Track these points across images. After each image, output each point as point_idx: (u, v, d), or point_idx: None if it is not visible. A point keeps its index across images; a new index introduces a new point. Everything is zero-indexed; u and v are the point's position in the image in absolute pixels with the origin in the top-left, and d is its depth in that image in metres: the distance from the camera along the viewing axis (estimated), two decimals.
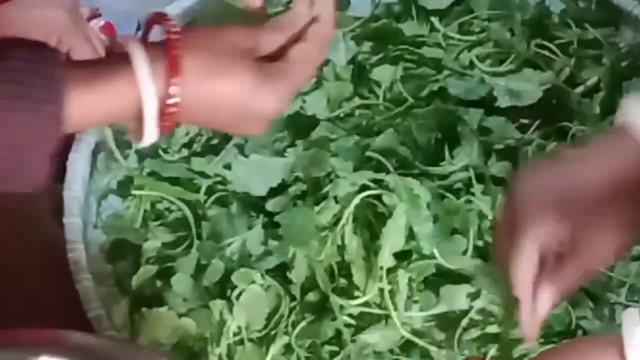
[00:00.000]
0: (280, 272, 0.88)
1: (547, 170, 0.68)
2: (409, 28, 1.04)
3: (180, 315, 0.86)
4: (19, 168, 0.56)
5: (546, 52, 1.02)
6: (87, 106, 0.58)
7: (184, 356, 0.85)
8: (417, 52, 1.02)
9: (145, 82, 0.58)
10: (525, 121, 0.97)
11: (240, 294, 0.86)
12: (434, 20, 1.05)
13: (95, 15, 1.04)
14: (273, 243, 0.89)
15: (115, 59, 0.59)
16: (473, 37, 1.04)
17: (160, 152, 0.96)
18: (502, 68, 1.01)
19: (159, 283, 0.88)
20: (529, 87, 0.98)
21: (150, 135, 0.60)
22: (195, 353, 0.85)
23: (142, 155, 0.96)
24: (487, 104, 0.97)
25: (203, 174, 0.94)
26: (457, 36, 1.04)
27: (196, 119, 0.63)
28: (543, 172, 0.68)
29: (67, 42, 0.89)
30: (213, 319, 0.85)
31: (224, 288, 0.87)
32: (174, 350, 0.85)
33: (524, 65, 1.01)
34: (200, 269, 0.88)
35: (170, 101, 0.59)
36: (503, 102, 0.97)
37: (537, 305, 0.65)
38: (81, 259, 0.86)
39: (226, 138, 0.97)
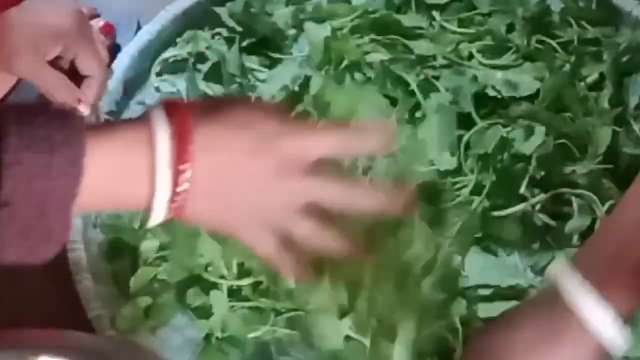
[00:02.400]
0: None
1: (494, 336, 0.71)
2: (408, 20, 1.05)
3: None
4: (40, 217, 0.55)
5: (546, 48, 1.02)
6: (103, 167, 0.57)
7: None
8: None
9: (161, 168, 0.58)
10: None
11: None
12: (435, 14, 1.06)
13: (94, 15, 1.04)
14: None
15: (136, 130, 0.59)
16: (472, 30, 1.05)
17: None
18: (501, 61, 1.01)
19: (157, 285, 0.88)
20: (527, 79, 0.98)
21: (158, 218, 0.61)
22: None
23: None
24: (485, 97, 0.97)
25: None
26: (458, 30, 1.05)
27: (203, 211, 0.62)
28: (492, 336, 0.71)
29: (73, 49, 0.89)
30: None
31: None
32: None
33: (523, 60, 1.01)
34: None
35: (179, 189, 0.59)
36: (502, 91, 0.97)
37: None
38: (81, 259, 0.86)
39: None
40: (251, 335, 0.84)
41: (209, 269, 0.86)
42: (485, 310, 0.83)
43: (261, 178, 0.61)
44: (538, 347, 0.67)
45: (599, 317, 0.65)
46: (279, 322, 0.85)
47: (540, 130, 0.93)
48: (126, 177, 0.59)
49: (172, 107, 0.60)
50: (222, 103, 0.63)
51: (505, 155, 0.92)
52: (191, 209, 0.60)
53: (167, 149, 0.58)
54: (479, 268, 0.86)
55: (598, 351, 0.66)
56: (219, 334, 0.84)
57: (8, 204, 0.54)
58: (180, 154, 0.58)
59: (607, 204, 0.88)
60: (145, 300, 0.86)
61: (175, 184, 0.59)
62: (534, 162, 0.90)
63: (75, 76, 0.90)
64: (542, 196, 0.89)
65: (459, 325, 0.81)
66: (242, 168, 0.61)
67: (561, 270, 0.68)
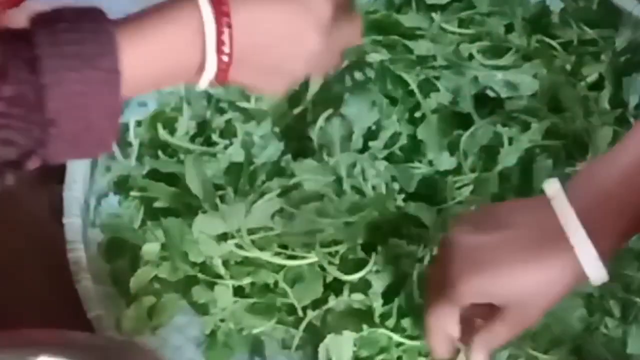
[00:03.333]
0: None
1: (480, 226, 0.69)
2: (408, 20, 1.05)
3: None
4: (87, 129, 0.57)
5: (546, 49, 1.02)
6: (144, 55, 0.59)
7: None
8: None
9: (206, 14, 0.60)
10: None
11: None
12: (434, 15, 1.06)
13: None
14: None
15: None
16: (472, 31, 1.05)
17: (160, 152, 0.96)
18: (501, 61, 1.02)
19: (157, 284, 0.88)
20: (527, 79, 0.98)
21: (210, 71, 0.62)
22: None
23: (141, 154, 0.96)
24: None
25: None
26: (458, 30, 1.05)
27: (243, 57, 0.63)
28: (477, 227, 0.69)
29: None
30: None
31: None
32: None
33: (523, 60, 1.01)
34: None
35: (223, 37, 0.61)
36: (501, 93, 0.97)
37: None
38: (81, 259, 0.86)
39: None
40: (256, 330, 0.85)
41: (207, 267, 0.87)
42: None
43: (302, 33, 0.65)
44: (527, 260, 0.66)
45: (587, 250, 0.65)
46: (282, 318, 0.85)
47: (535, 126, 0.93)
48: (176, 55, 0.61)
49: None
50: None
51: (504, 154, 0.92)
52: (235, 71, 0.63)
53: (211, 20, 0.60)
54: None
55: (579, 281, 0.66)
56: (231, 325, 0.84)
57: (54, 123, 0.55)
58: (219, 18, 0.60)
59: None
60: (149, 300, 0.86)
61: (220, 49, 0.61)
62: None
63: None
64: None
65: None
66: (283, 28, 0.64)
67: (556, 193, 0.67)
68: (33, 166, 0.57)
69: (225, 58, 0.61)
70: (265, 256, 0.85)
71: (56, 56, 0.55)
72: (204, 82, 0.63)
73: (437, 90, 0.98)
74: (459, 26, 1.06)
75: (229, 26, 0.60)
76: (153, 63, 0.60)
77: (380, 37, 1.04)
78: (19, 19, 0.85)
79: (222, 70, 0.62)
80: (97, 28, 0.58)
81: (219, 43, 0.61)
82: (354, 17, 0.70)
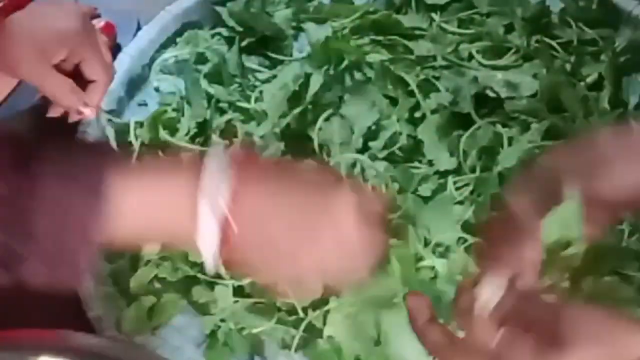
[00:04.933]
0: None
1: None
2: (408, 20, 1.05)
3: None
4: (66, 254, 0.56)
5: (546, 49, 1.02)
6: (138, 206, 0.57)
7: None
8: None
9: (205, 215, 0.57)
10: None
11: None
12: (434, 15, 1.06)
13: (94, 15, 1.04)
14: None
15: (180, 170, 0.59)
16: (472, 31, 1.05)
17: (160, 152, 0.96)
18: (501, 61, 1.02)
19: (158, 284, 0.88)
20: (527, 79, 0.98)
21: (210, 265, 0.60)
22: None
23: (142, 155, 0.95)
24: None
25: None
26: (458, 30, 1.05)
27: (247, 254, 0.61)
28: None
29: (79, 53, 0.89)
30: None
31: None
32: None
33: (523, 60, 1.01)
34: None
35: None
36: (501, 93, 0.97)
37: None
38: None
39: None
40: (255, 330, 0.85)
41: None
42: None
43: (313, 232, 0.61)
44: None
45: None
46: (282, 318, 0.85)
47: (535, 126, 0.93)
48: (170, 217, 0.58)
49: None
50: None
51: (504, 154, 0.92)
52: (239, 258, 0.60)
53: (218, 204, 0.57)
54: None
55: None
56: (231, 325, 0.84)
57: (32, 236, 0.54)
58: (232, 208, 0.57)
59: None
60: (149, 300, 0.86)
61: (223, 236, 0.58)
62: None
63: (77, 78, 0.90)
64: None
65: None
66: (294, 222, 0.61)
67: None
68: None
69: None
70: None
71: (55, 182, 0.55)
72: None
73: (437, 90, 0.98)
74: (459, 26, 1.06)
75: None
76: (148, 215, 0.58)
77: (380, 37, 1.04)
78: (23, 22, 0.85)
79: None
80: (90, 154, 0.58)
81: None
82: (379, 235, 0.64)
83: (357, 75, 1.02)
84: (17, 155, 0.55)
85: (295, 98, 0.97)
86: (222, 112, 0.99)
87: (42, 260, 0.55)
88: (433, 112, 0.96)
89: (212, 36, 1.06)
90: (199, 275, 0.86)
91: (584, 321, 0.53)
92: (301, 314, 0.85)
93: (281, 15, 1.08)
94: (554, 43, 1.03)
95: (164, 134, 0.96)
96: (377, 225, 0.63)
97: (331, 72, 1.00)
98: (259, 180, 0.59)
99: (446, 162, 0.93)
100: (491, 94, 0.97)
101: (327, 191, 0.62)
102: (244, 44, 1.04)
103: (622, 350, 0.51)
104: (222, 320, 0.85)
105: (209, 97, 0.99)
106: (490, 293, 0.56)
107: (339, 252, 0.62)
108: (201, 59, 1.03)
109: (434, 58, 1.02)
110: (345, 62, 1.01)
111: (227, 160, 0.58)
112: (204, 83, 1.00)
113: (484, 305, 0.56)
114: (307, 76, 0.99)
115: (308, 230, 0.61)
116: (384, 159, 0.94)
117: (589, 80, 1.00)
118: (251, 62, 1.04)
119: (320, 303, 0.84)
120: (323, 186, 0.62)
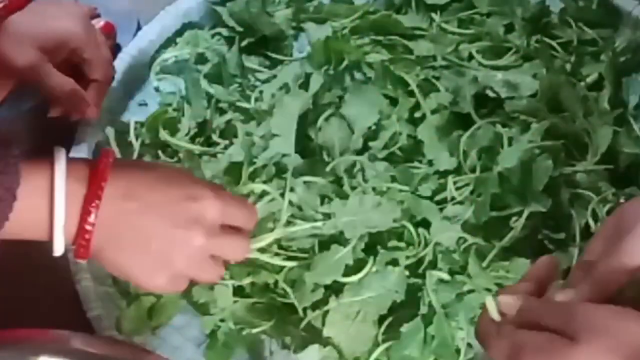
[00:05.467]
0: None
1: None
2: (408, 20, 1.05)
3: None
4: None
5: (546, 49, 1.02)
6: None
7: None
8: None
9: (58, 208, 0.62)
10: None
11: None
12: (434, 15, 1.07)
13: (94, 15, 1.04)
14: None
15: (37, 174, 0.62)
16: (472, 31, 1.05)
17: (160, 152, 0.96)
18: (501, 61, 1.02)
19: None
20: (527, 79, 0.98)
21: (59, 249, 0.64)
22: None
23: (142, 155, 0.96)
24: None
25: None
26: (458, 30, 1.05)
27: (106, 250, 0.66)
28: None
29: (80, 53, 0.89)
30: None
31: None
32: None
33: (523, 60, 1.01)
34: None
35: (86, 227, 0.63)
36: (501, 93, 0.97)
37: None
38: None
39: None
40: (255, 330, 0.85)
41: None
42: None
43: (170, 231, 0.66)
44: None
45: None
46: (282, 318, 0.85)
47: (535, 126, 0.93)
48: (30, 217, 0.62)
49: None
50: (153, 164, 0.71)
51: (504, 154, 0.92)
52: (97, 250, 0.65)
53: (75, 191, 0.63)
54: None
55: None
56: (231, 325, 0.84)
57: None
58: (89, 198, 0.63)
59: (608, 206, 0.89)
60: (149, 300, 0.86)
61: (82, 224, 0.63)
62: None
63: (77, 78, 0.90)
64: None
65: None
66: (152, 219, 0.66)
67: None
68: None
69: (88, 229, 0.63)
70: (265, 256, 0.85)
71: None
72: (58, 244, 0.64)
73: (437, 90, 0.98)
74: (459, 26, 1.06)
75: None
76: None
77: (380, 37, 1.04)
78: (24, 22, 0.85)
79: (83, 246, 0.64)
80: (4, 154, 0.60)
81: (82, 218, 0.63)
82: (243, 232, 0.72)
83: (357, 75, 1.02)
84: None
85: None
86: (222, 112, 0.99)
87: None
88: (433, 112, 0.96)
89: (212, 36, 1.06)
90: None
91: (594, 316, 0.54)
92: (300, 314, 0.85)
93: (281, 15, 1.08)
94: (554, 43, 1.04)
95: (164, 134, 0.96)
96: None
97: (331, 72, 1.00)
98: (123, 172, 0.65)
99: (446, 162, 0.93)
100: (491, 94, 0.97)
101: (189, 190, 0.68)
102: (244, 44, 1.04)
103: (631, 338, 0.52)
104: (222, 320, 0.85)
105: (209, 97, 0.99)
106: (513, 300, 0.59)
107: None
108: (201, 59, 1.03)
109: (434, 58, 1.02)
110: (345, 62, 1.01)
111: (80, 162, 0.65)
112: (204, 83, 1.00)
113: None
114: (307, 76, 0.99)
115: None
116: (384, 159, 0.93)
117: (589, 80, 1.00)
118: (251, 62, 1.04)
119: (320, 303, 0.84)
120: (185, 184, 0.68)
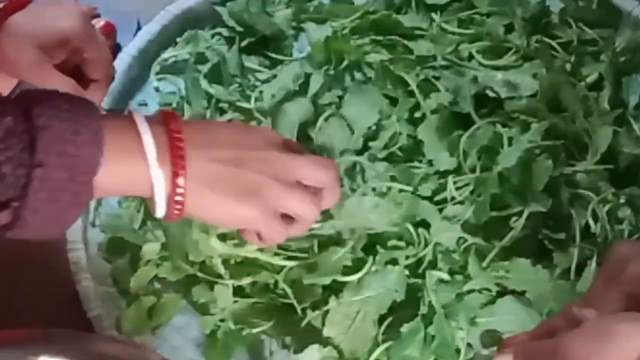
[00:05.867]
0: None
1: None
2: (408, 20, 1.05)
3: None
4: (70, 180, 0.59)
5: (546, 49, 1.02)
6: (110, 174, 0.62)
7: None
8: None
9: (155, 175, 0.64)
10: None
11: None
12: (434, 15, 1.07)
13: (94, 15, 1.04)
14: None
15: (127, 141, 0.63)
16: (472, 31, 1.05)
17: None
18: (501, 61, 1.02)
19: (158, 284, 0.88)
20: (527, 79, 0.98)
21: (161, 211, 0.66)
22: None
23: None
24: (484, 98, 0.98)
25: None
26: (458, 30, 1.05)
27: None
28: None
29: (80, 53, 0.89)
30: None
31: None
32: None
33: (523, 60, 1.01)
34: None
35: (177, 193, 0.65)
36: (501, 93, 0.97)
37: None
38: (81, 259, 0.86)
39: None
40: (255, 330, 0.85)
41: (207, 267, 0.87)
42: None
43: (250, 178, 0.68)
44: None
45: None
46: (282, 318, 0.85)
47: (535, 126, 0.93)
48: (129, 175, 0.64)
49: (167, 117, 0.66)
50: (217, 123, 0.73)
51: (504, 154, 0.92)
52: (191, 205, 0.66)
53: (164, 154, 0.64)
54: None
55: None
56: (231, 325, 0.84)
57: (42, 164, 0.57)
58: (174, 160, 0.64)
59: (608, 206, 0.89)
60: (149, 300, 0.86)
61: (172, 187, 0.65)
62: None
63: (78, 78, 0.90)
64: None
65: None
66: (233, 170, 0.68)
67: None
68: (2, 220, 0.58)
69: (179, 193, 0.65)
70: (265, 256, 0.85)
71: (52, 106, 0.59)
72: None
73: (437, 90, 0.98)
74: (459, 26, 1.06)
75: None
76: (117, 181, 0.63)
77: (380, 37, 1.04)
78: (25, 22, 0.85)
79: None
80: (86, 102, 0.62)
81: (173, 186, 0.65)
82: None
83: (357, 75, 1.02)
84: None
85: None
86: (222, 112, 0.99)
87: (48, 189, 0.58)
88: (433, 112, 0.96)
89: (212, 36, 1.06)
90: (199, 275, 0.86)
91: (579, 339, 0.52)
92: (300, 314, 0.85)
93: (281, 15, 1.08)
94: (554, 43, 1.04)
95: None
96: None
97: (331, 72, 1.00)
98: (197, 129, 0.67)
99: (446, 162, 0.93)
100: (491, 94, 0.98)
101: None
102: (244, 44, 1.04)
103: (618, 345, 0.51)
104: (222, 320, 0.85)
105: (209, 97, 0.99)
106: None
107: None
108: (201, 59, 1.03)
109: (434, 58, 1.02)
110: (345, 62, 1.01)
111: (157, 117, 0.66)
112: (204, 83, 1.00)
113: None
114: (307, 76, 0.99)
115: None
116: (384, 159, 0.94)
117: (589, 80, 1.00)
118: (251, 62, 1.04)
119: (319, 303, 0.84)
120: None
